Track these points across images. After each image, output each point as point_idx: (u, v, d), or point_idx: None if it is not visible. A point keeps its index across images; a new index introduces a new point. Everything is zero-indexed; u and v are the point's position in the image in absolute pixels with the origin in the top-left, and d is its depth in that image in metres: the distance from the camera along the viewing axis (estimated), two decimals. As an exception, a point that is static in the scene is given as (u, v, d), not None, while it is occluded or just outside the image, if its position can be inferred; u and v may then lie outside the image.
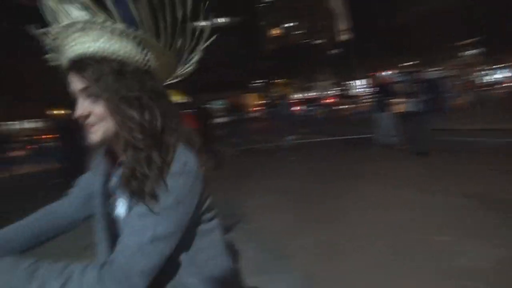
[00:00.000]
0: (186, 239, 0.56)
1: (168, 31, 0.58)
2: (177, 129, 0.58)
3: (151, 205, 0.50)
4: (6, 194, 6.90)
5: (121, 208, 0.61)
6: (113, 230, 0.63)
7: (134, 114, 0.54)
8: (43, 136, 17.45)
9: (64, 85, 0.58)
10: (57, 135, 4.86)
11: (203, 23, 0.63)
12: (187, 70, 0.70)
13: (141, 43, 0.56)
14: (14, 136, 21.09)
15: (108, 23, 0.52)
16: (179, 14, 0.57)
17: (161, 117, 0.56)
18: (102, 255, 0.62)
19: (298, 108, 20.68)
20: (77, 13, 0.52)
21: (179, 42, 0.62)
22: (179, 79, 0.71)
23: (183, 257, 0.59)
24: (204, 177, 0.57)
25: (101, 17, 0.51)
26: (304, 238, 2.61)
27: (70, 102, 0.59)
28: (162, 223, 0.50)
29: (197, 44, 0.65)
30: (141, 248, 0.48)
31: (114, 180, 0.64)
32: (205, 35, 0.64)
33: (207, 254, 0.62)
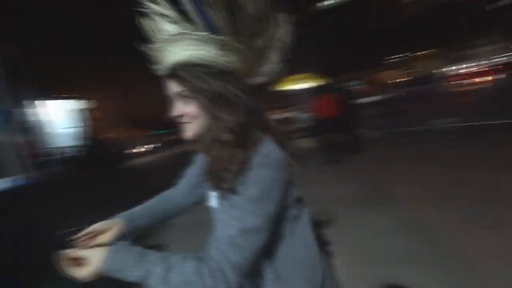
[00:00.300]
0: (274, 233, 0.58)
1: (246, 33, 0.60)
2: (262, 124, 0.62)
3: (236, 198, 0.53)
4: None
5: (213, 201, 0.65)
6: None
7: (221, 113, 0.58)
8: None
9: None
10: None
11: (282, 18, 0.64)
12: (275, 66, 0.69)
13: (223, 47, 0.58)
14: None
15: (195, 33, 0.57)
16: (256, 14, 0.59)
17: (246, 115, 0.59)
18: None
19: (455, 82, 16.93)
20: (170, 28, 0.59)
21: (259, 42, 0.63)
22: (269, 76, 0.70)
23: (271, 251, 0.62)
24: (290, 170, 0.59)
25: (188, 28, 0.57)
26: (473, 244, 1.92)
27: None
28: (250, 215, 0.52)
29: (279, 40, 0.66)
30: (231, 241, 0.51)
31: None
32: (287, 29, 0.65)
33: (293, 248, 0.64)
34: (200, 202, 0.83)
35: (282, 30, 0.65)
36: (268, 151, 0.56)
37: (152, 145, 18.24)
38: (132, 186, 4.75)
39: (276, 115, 10.81)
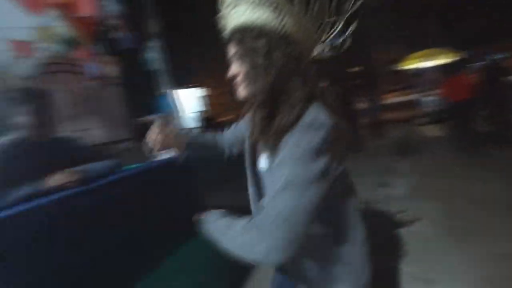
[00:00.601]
0: (321, 208, 0.55)
1: None
2: (312, 89, 0.62)
3: (285, 157, 0.55)
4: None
5: (263, 162, 0.68)
6: (258, 182, 0.74)
7: (267, 74, 0.61)
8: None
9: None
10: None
11: None
12: (334, 38, 0.71)
13: (277, 9, 0.60)
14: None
15: None
16: None
17: (295, 78, 0.61)
18: (253, 204, 0.77)
19: None
20: None
21: (315, 7, 0.64)
22: (328, 48, 0.72)
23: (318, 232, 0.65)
24: (339, 142, 0.59)
25: None
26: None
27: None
28: (297, 172, 0.53)
29: (340, 10, 0.67)
30: (281, 196, 0.52)
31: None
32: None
33: (340, 239, 0.67)
34: (230, 156, 0.94)
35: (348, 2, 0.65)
36: (316, 115, 0.57)
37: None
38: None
39: (397, 98, 9.63)
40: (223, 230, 0.60)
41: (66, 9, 2.07)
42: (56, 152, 1.26)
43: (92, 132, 4.85)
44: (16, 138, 1.17)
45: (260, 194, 0.74)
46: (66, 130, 4.36)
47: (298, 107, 0.58)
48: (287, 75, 0.61)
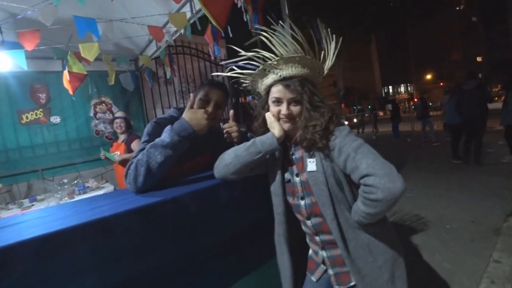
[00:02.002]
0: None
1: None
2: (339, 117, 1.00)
3: (352, 150, 0.90)
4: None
5: (311, 165, 0.99)
6: (283, 188, 1.10)
7: (315, 114, 0.99)
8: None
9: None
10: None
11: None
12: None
13: (310, 62, 1.00)
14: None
15: (307, 56, 0.98)
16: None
17: (326, 113, 0.98)
18: (277, 206, 1.12)
19: None
20: (291, 48, 0.97)
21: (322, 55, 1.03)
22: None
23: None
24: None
25: (301, 52, 0.98)
26: None
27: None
28: (364, 145, 0.91)
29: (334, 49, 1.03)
30: (375, 162, 0.85)
31: (298, 154, 1.07)
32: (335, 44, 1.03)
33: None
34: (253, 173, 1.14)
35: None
36: (345, 127, 0.98)
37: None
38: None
39: None
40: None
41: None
42: (210, 137, 1.35)
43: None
44: (179, 117, 1.30)
45: (284, 195, 1.11)
46: (178, 104, 4.96)
47: (336, 125, 0.97)
48: (324, 112, 0.99)
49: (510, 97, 5.18)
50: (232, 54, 1.11)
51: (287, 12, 2.11)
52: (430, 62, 55.24)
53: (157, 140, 1.12)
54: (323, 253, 1.09)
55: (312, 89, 1.01)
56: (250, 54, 1.00)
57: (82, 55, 2.73)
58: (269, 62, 0.98)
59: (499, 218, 3.09)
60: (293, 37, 0.98)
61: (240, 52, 1.02)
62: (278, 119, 1.04)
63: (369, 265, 0.95)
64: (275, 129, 1.04)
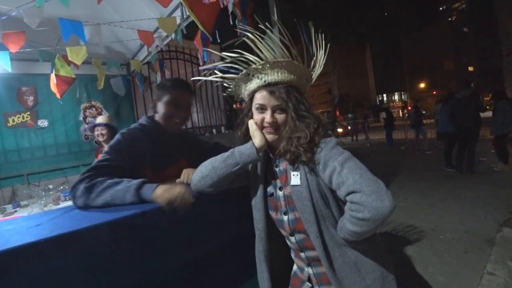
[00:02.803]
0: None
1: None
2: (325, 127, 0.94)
3: (339, 164, 0.83)
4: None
5: (295, 179, 0.92)
6: (265, 202, 1.03)
7: (300, 124, 0.92)
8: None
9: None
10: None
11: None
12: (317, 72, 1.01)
13: (298, 69, 0.94)
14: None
15: (295, 62, 0.92)
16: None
17: (311, 124, 0.92)
18: (257, 221, 1.04)
19: None
20: (279, 53, 0.91)
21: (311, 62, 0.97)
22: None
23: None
24: None
25: (288, 57, 0.91)
26: None
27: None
28: (351, 159, 0.84)
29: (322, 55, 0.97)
30: (361, 178, 0.78)
31: (282, 166, 1.00)
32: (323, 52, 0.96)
33: None
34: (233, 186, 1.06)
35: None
36: (329, 141, 0.90)
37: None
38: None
39: None
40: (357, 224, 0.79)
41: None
42: (183, 143, 1.34)
43: (193, 115, 5.27)
44: (151, 125, 1.28)
45: (265, 208, 1.03)
46: None
47: (322, 136, 0.92)
48: (309, 122, 0.92)
49: (499, 107, 5.24)
50: (223, 59, 1.05)
51: (276, 17, 2.06)
52: (423, 71, 56.22)
53: (125, 185, 0.99)
54: (309, 270, 1.02)
55: (299, 97, 0.93)
56: (233, 56, 0.92)
57: (69, 58, 2.65)
58: (253, 66, 0.91)
59: (492, 228, 3.06)
60: (281, 42, 0.90)
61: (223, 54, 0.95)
62: (262, 127, 0.96)
63: (357, 284, 0.89)
64: (256, 138, 0.95)
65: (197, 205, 0.98)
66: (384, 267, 0.93)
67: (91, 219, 0.84)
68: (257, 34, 0.89)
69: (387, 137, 10.84)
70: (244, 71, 0.93)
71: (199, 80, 1.06)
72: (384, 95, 61.65)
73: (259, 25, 0.98)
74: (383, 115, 12.09)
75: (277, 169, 1.02)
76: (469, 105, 5.26)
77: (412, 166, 6.84)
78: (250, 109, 1.00)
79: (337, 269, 0.90)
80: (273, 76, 0.91)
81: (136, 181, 0.99)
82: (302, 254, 1.01)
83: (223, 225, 1.15)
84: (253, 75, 0.94)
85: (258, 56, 0.91)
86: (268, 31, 0.92)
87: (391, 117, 11.24)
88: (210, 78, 1.01)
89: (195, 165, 1.09)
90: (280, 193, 1.00)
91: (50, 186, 3.34)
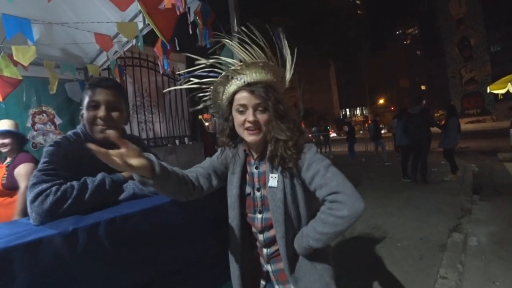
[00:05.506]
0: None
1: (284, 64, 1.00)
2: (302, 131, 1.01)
3: (321, 168, 0.90)
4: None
5: (273, 181, 0.97)
6: (243, 203, 1.06)
7: (282, 125, 0.96)
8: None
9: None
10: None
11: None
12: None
13: (275, 71, 0.99)
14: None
15: (271, 63, 0.97)
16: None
17: (293, 128, 0.97)
18: (232, 220, 1.07)
19: None
20: (256, 55, 0.94)
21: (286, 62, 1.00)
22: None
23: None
24: None
25: (264, 58, 0.96)
26: None
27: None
28: (333, 166, 0.92)
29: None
30: (341, 183, 0.87)
31: (261, 168, 1.03)
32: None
33: None
34: (208, 191, 1.04)
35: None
36: (313, 145, 0.98)
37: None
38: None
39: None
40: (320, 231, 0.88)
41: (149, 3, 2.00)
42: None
43: (155, 125, 5.06)
44: (83, 132, 1.16)
45: (241, 209, 1.05)
46: (132, 119, 4.69)
47: (302, 142, 0.97)
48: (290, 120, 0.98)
49: (451, 124, 5.73)
50: (192, 66, 1.00)
51: (236, 28, 2.07)
52: (382, 88, 60.49)
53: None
54: (268, 267, 1.08)
55: (277, 97, 0.97)
56: (211, 60, 0.97)
57: (15, 58, 2.42)
58: (232, 67, 0.95)
59: (443, 234, 3.26)
60: (256, 44, 0.94)
61: (199, 60, 0.97)
62: (244, 129, 0.98)
63: (318, 282, 0.96)
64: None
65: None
66: (333, 268, 1.03)
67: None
68: (228, 38, 0.97)
69: (349, 149, 11.32)
70: (224, 73, 0.96)
71: (174, 89, 1.04)
72: (347, 109, 65.07)
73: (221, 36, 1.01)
74: (345, 128, 12.65)
75: (256, 171, 1.05)
76: (420, 120, 5.70)
77: (373, 177, 7.16)
78: (230, 113, 1.02)
79: (296, 269, 0.99)
80: (252, 76, 0.95)
81: (100, 175, 1.01)
82: (265, 251, 1.07)
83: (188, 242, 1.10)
84: (232, 77, 0.97)
85: (236, 59, 0.98)
86: (226, 42, 0.97)
87: (353, 130, 11.79)
88: (186, 86, 1.01)
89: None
90: (258, 193, 1.04)
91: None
